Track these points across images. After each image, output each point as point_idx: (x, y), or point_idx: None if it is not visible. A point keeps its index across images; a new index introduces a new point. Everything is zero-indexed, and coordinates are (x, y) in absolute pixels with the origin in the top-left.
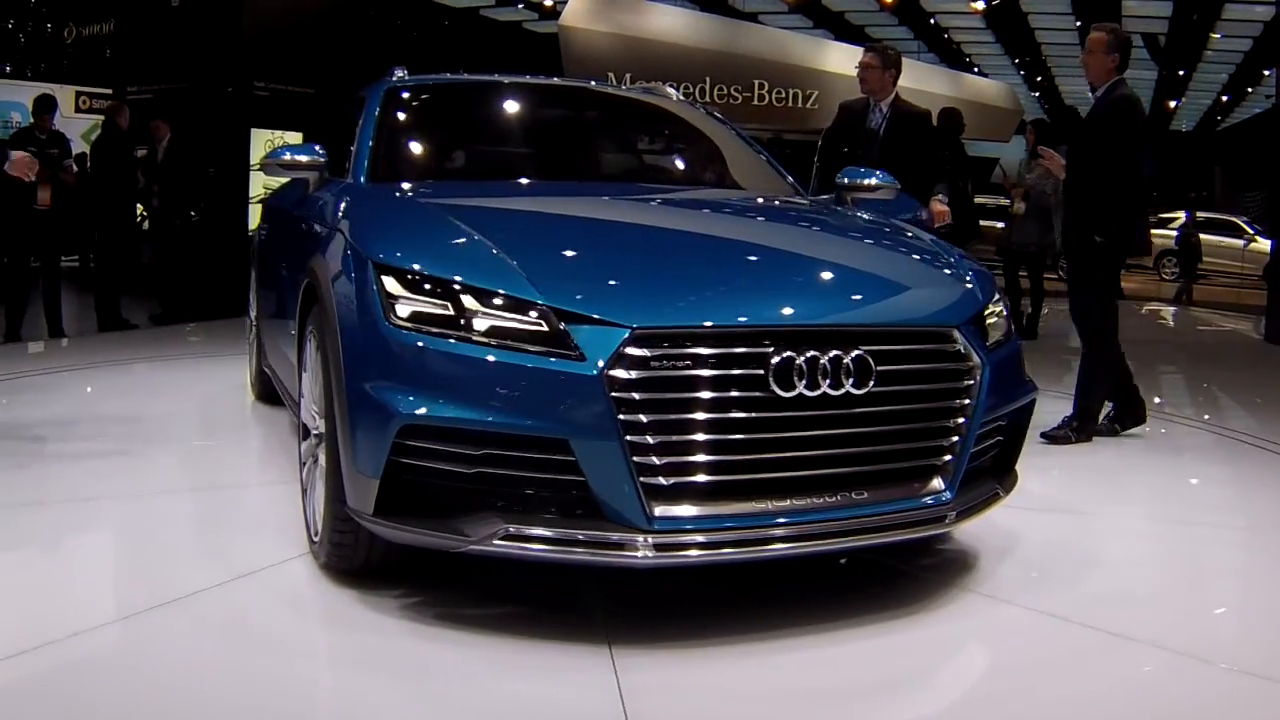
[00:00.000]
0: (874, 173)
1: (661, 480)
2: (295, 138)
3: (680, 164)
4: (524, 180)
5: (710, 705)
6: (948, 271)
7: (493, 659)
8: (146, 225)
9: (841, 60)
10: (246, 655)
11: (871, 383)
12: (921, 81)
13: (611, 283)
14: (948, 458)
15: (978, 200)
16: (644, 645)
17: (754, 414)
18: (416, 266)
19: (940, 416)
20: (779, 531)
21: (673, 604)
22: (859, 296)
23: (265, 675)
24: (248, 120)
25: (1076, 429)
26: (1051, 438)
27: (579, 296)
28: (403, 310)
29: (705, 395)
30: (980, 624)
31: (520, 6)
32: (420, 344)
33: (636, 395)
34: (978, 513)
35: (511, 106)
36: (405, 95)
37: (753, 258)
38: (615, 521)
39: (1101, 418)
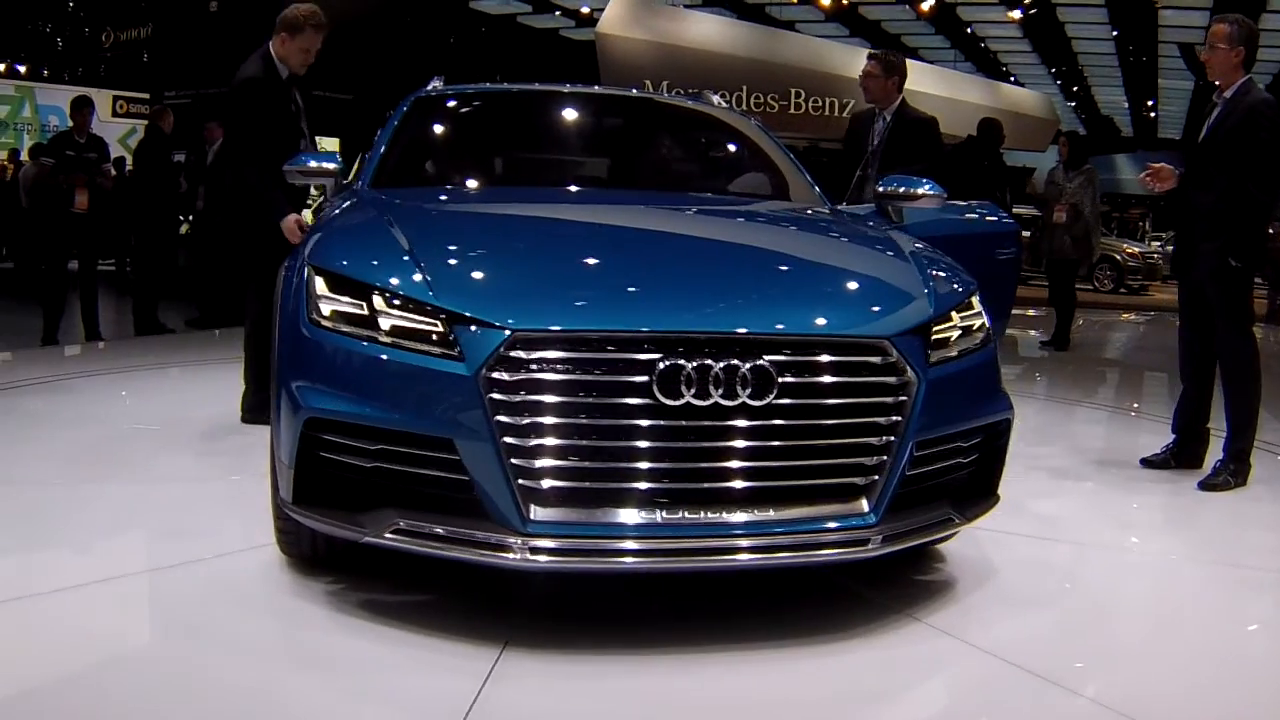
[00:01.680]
0: (921, 182)
1: (538, 483)
2: (332, 143)
3: (694, 171)
4: (523, 187)
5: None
6: (901, 281)
7: (394, 650)
8: (185, 229)
9: None
10: (163, 635)
11: (773, 394)
12: (958, 90)
13: (506, 286)
14: (873, 478)
15: (1016, 210)
16: (540, 650)
17: (636, 421)
18: (343, 266)
19: (862, 433)
20: (680, 544)
21: (595, 610)
22: (778, 305)
23: (178, 659)
24: None
25: (1233, 472)
26: (1210, 485)
27: (468, 299)
28: (325, 309)
29: (585, 400)
30: (909, 654)
31: (557, 14)
32: (331, 342)
33: (513, 397)
34: (916, 539)
35: (531, 115)
36: (430, 104)
37: (683, 264)
38: (498, 522)
39: (1161, 447)
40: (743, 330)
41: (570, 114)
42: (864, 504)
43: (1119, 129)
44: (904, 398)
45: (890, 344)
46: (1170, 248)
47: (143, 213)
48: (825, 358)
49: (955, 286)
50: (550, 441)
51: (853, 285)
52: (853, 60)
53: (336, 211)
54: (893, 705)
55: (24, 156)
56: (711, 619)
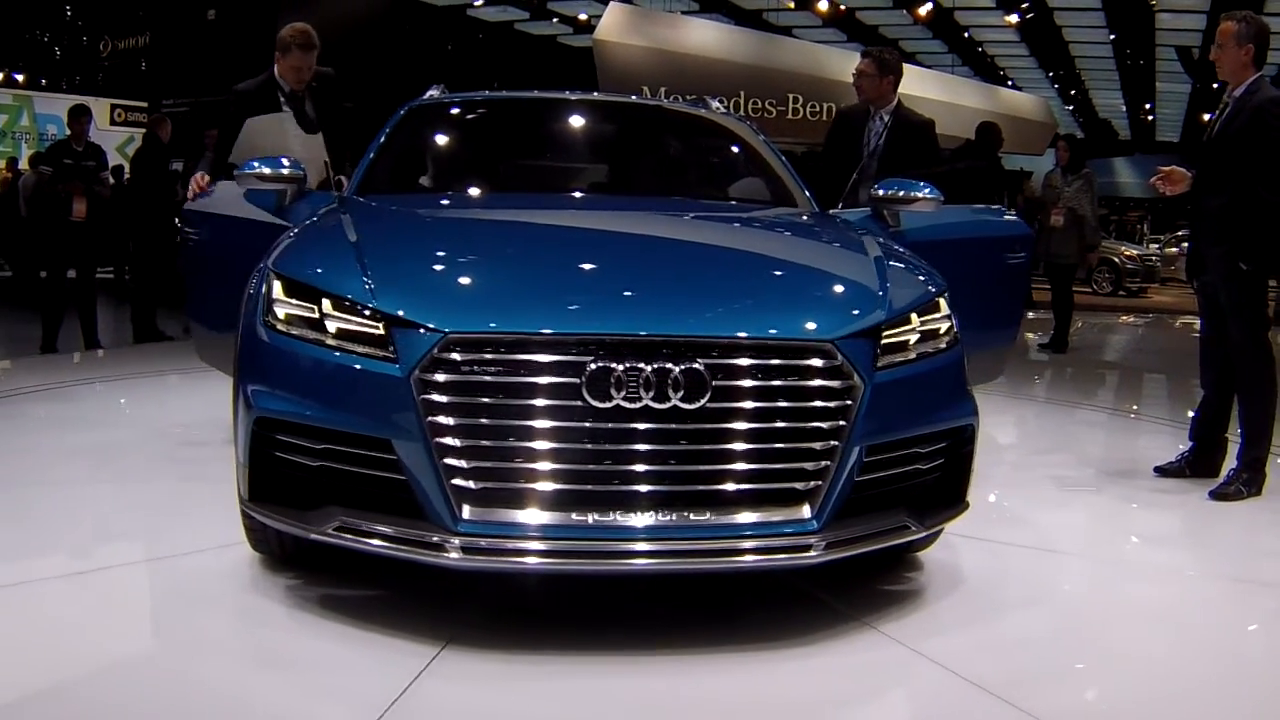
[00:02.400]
0: (919, 185)
1: (469, 484)
2: None
3: (681, 176)
4: (506, 193)
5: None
6: (855, 284)
7: (334, 645)
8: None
9: None
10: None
11: (706, 398)
12: (955, 95)
13: (445, 290)
14: (815, 483)
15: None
16: (481, 648)
17: (566, 424)
18: (298, 271)
19: (802, 438)
20: (610, 546)
21: (545, 609)
22: (722, 308)
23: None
24: None
25: (1246, 481)
26: (1222, 495)
27: (405, 302)
28: (280, 312)
29: (515, 403)
30: (857, 664)
31: (555, 21)
32: (282, 344)
33: (445, 399)
34: (864, 546)
35: (520, 122)
36: (422, 113)
37: (636, 267)
38: (433, 521)
39: (1176, 454)
40: (678, 333)
41: (560, 121)
42: (805, 510)
43: (1117, 132)
44: (848, 402)
45: (834, 347)
46: (1171, 249)
47: (141, 221)
48: (763, 361)
49: (918, 289)
50: (481, 443)
51: (803, 288)
52: (850, 65)
53: (311, 219)
54: (819, 713)
55: (23, 165)
56: (667, 622)
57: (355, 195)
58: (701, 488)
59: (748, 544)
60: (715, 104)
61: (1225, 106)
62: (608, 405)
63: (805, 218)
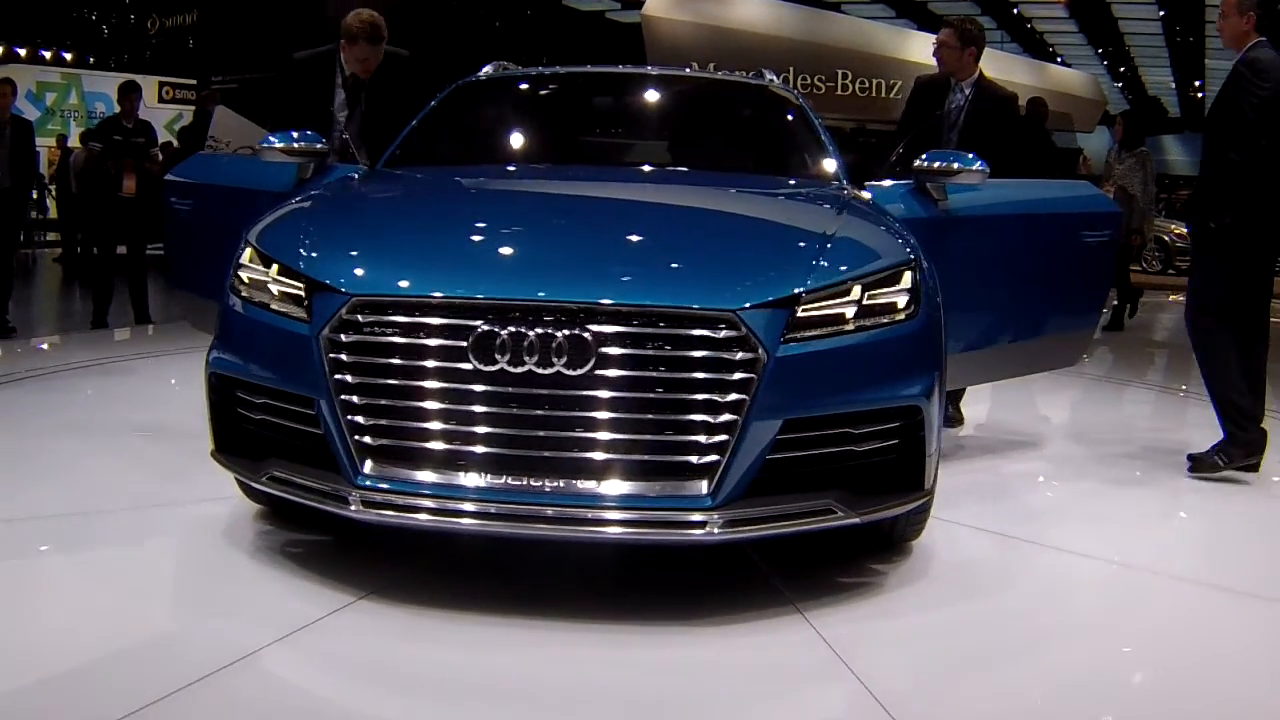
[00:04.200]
0: (966, 157)
1: (369, 440)
2: None
3: (705, 147)
4: (518, 164)
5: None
6: (787, 254)
7: (265, 588)
8: None
9: (924, 49)
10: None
11: (590, 364)
12: (1005, 72)
13: (364, 254)
14: (712, 458)
15: None
16: (396, 601)
17: (454, 385)
18: (259, 237)
19: (696, 410)
20: (495, 508)
21: (477, 572)
22: (630, 276)
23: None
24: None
25: (1224, 453)
26: (1200, 463)
27: (324, 266)
28: (244, 276)
29: (409, 363)
30: (764, 661)
31: None
32: (236, 306)
33: (348, 358)
34: (773, 528)
35: (555, 97)
36: (468, 89)
37: (572, 236)
38: (342, 476)
39: (1211, 446)
40: (567, 299)
41: (596, 96)
42: (701, 485)
43: (1166, 110)
44: (749, 375)
45: (736, 317)
46: None
47: None
48: (657, 329)
49: (868, 261)
50: (379, 401)
51: (727, 258)
52: (899, 41)
53: (310, 190)
54: (683, 706)
55: (72, 143)
56: (591, 593)
57: (382, 168)
58: (589, 455)
59: (637, 515)
60: (770, 77)
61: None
62: (493, 369)
63: (803, 190)
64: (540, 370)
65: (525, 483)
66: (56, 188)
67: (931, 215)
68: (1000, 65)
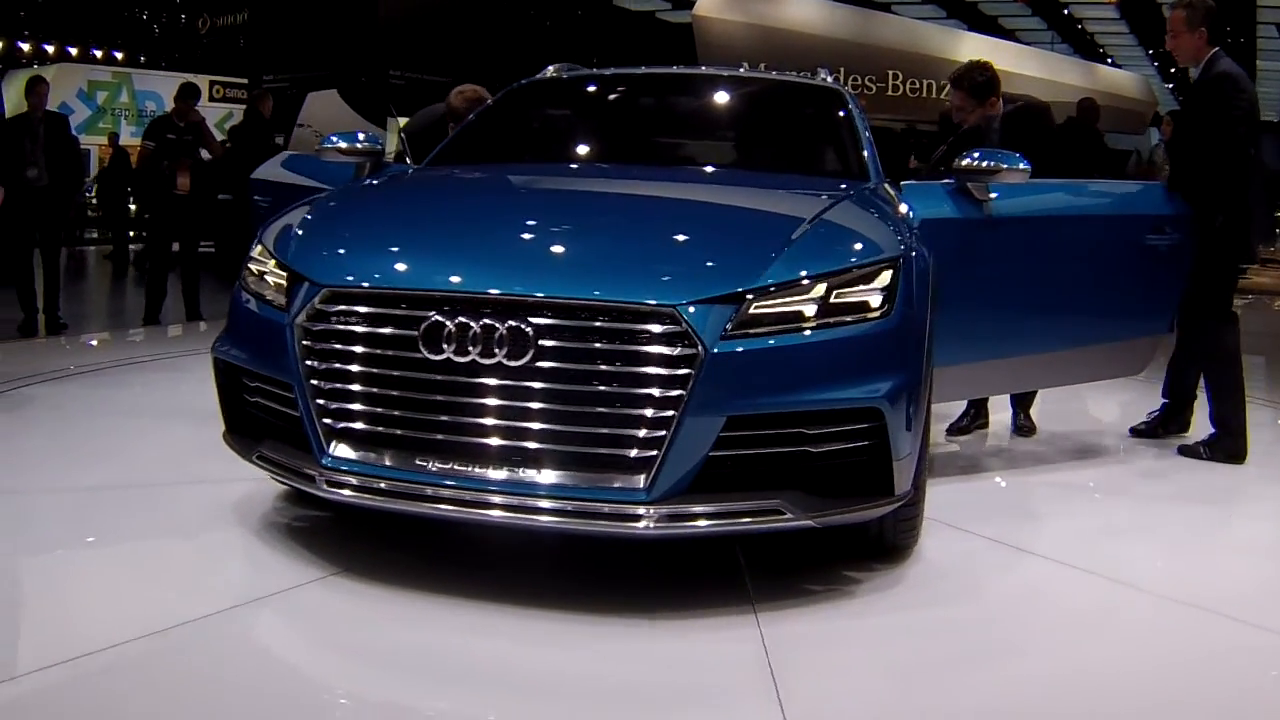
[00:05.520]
0: (1012, 156)
1: (333, 423)
2: None
3: (733, 145)
4: (546, 163)
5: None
6: (743, 251)
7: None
8: None
9: (975, 51)
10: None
11: (529, 356)
12: (1055, 72)
13: (343, 247)
14: (649, 452)
15: None
16: (367, 580)
17: (406, 373)
18: (266, 233)
19: (633, 404)
20: (443, 492)
21: (455, 558)
22: (578, 270)
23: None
24: (383, 109)
25: (1211, 445)
26: (1187, 451)
27: (304, 258)
28: (252, 268)
29: (366, 351)
30: (697, 658)
31: None
32: (241, 298)
33: (317, 345)
34: (712, 525)
35: (601, 97)
36: (522, 90)
37: (550, 234)
38: (313, 456)
39: (1148, 414)
40: (511, 292)
41: (640, 96)
42: (638, 479)
43: None
44: (687, 370)
45: (677, 312)
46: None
47: (242, 194)
48: (597, 323)
49: (836, 259)
50: (341, 386)
51: (680, 253)
52: (950, 42)
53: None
54: (621, 702)
55: (124, 142)
56: (561, 584)
57: (421, 167)
58: (532, 445)
59: (574, 506)
60: (824, 76)
61: (1191, 88)
62: (440, 358)
63: (810, 187)
64: (484, 361)
65: (471, 469)
66: (98, 186)
67: (971, 215)
68: (1050, 66)
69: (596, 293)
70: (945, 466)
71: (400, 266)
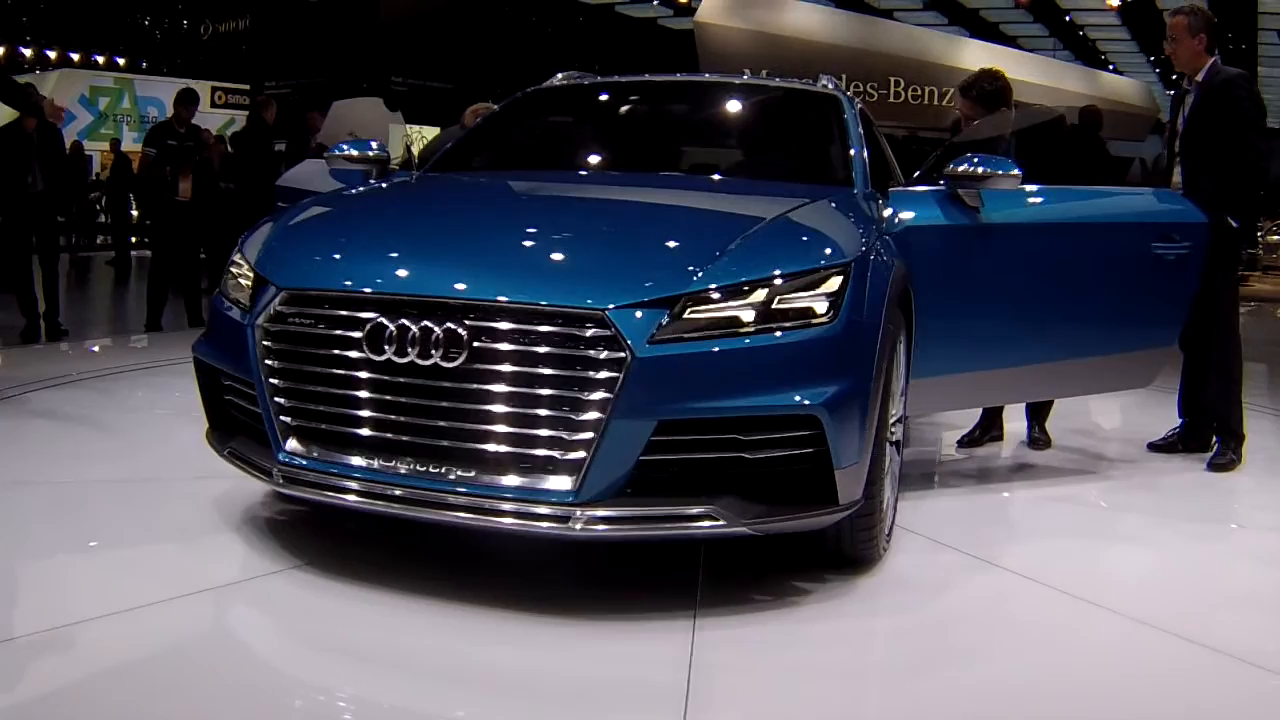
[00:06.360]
0: (992, 159)
1: (288, 420)
2: (432, 133)
3: (723, 152)
4: (535, 170)
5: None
6: (681, 255)
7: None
8: None
9: (976, 58)
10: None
11: (463, 357)
12: (1057, 79)
13: (304, 251)
14: (579, 454)
15: None
16: (328, 574)
17: (350, 373)
18: (243, 239)
19: (560, 406)
20: (378, 488)
21: (418, 556)
22: (517, 274)
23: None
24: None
25: (1234, 449)
26: (1217, 466)
27: (268, 262)
28: (232, 271)
29: (316, 351)
30: (620, 653)
31: (655, 3)
32: (218, 301)
33: (274, 345)
34: (641, 529)
35: (592, 105)
36: (528, 98)
37: (502, 238)
38: (271, 452)
39: (1167, 431)
40: (447, 295)
41: (635, 104)
42: (566, 481)
43: None
44: (615, 374)
45: (605, 316)
46: (1273, 236)
47: (244, 200)
48: (527, 325)
49: (778, 264)
50: (296, 385)
51: (616, 257)
52: (952, 49)
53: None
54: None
55: (126, 148)
56: (509, 582)
57: (426, 172)
58: (463, 444)
59: (507, 506)
60: (825, 82)
61: (1188, 94)
62: (381, 359)
63: (777, 192)
64: (421, 362)
65: (410, 468)
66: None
67: (959, 222)
68: (1052, 72)
69: (528, 296)
70: (945, 479)
71: (351, 270)
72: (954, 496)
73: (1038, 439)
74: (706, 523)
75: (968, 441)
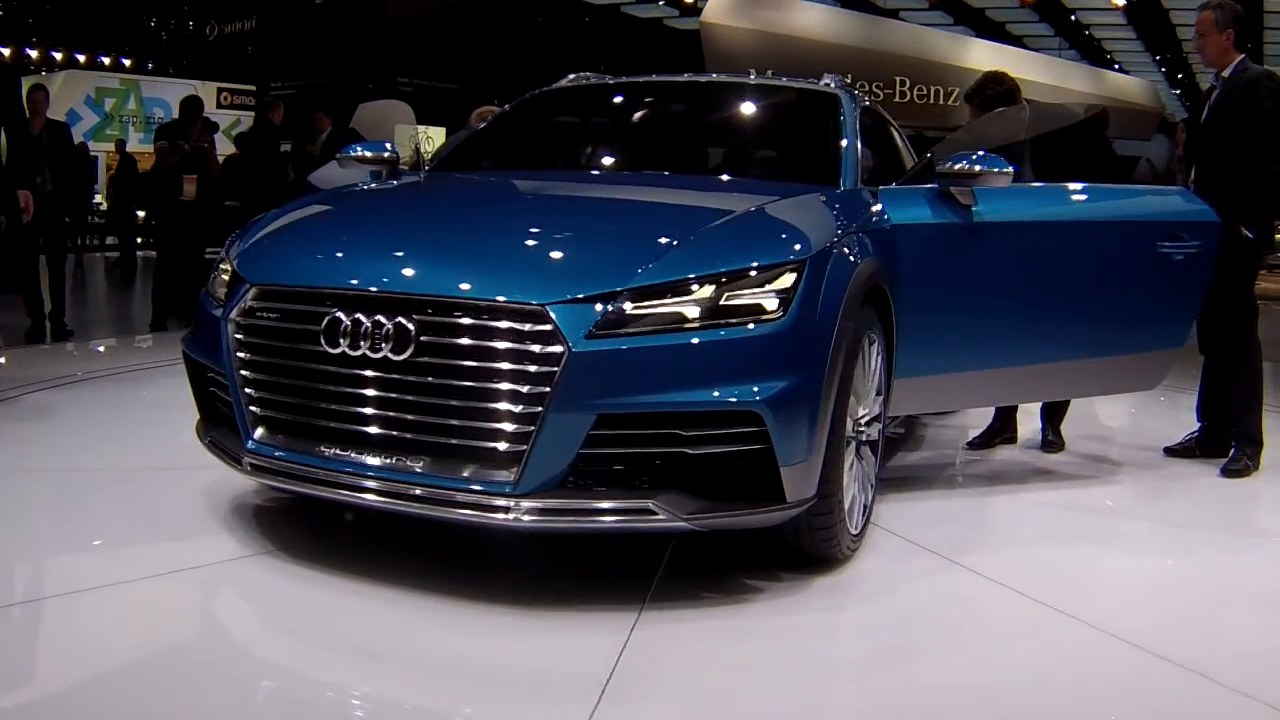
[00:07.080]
0: (985, 157)
1: (256, 410)
2: (439, 134)
3: (716, 151)
4: (530, 169)
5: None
6: (626, 250)
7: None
8: None
9: (982, 57)
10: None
11: (410, 351)
12: (1062, 78)
13: (278, 248)
14: (519, 447)
15: None
16: (298, 561)
17: (308, 365)
18: (230, 238)
19: (499, 399)
20: (332, 476)
21: (390, 544)
22: (467, 269)
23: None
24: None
25: (1250, 455)
26: (1231, 472)
27: (244, 258)
28: (221, 267)
29: (280, 344)
30: (573, 644)
31: (661, 3)
32: (203, 298)
33: (244, 338)
34: (579, 521)
35: (587, 105)
36: (534, 99)
37: (451, 234)
38: (241, 441)
39: (1184, 435)
40: (395, 290)
41: (622, 103)
42: (507, 473)
43: None
44: (553, 368)
45: (545, 310)
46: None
47: (250, 201)
48: (471, 320)
49: (736, 261)
50: (263, 376)
51: (562, 253)
52: (957, 48)
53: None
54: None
55: (131, 148)
56: (468, 571)
57: (431, 170)
58: (415, 436)
59: (445, 495)
60: (828, 81)
61: (1214, 89)
62: (336, 352)
63: (748, 190)
64: (372, 355)
65: (357, 456)
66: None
67: (951, 220)
68: (1058, 72)
69: (474, 291)
70: (945, 480)
71: (314, 266)
72: (947, 499)
73: (1051, 442)
74: (645, 517)
75: (978, 443)
